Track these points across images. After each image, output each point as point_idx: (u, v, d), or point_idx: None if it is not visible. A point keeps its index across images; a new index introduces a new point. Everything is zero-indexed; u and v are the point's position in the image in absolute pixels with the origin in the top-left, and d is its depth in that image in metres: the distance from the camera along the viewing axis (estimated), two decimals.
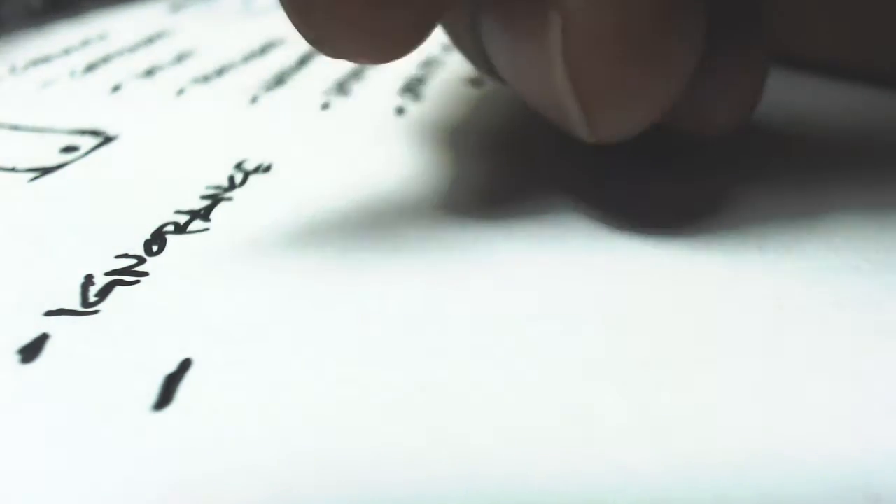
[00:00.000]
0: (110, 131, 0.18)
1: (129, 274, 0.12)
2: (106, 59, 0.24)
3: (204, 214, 0.14)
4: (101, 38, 0.26)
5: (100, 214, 0.14)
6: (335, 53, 0.13)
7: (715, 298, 0.12)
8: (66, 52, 0.24)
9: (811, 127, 0.19)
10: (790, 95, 0.20)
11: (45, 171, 0.16)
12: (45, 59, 0.23)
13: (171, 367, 0.10)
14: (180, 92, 0.21)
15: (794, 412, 0.10)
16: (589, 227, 0.14)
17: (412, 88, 0.21)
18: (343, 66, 0.23)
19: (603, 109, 0.12)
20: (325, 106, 0.20)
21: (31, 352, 0.10)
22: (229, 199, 0.15)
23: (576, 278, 0.12)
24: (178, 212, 0.14)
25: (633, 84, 0.12)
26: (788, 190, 0.15)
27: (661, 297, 0.12)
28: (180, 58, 0.24)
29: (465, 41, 0.15)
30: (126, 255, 0.13)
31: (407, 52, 0.12)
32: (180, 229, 0.14)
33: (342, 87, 0.21)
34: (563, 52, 0.11)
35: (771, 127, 0.19)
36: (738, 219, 0.14)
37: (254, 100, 0.20)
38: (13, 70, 0.22)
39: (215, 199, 0.15)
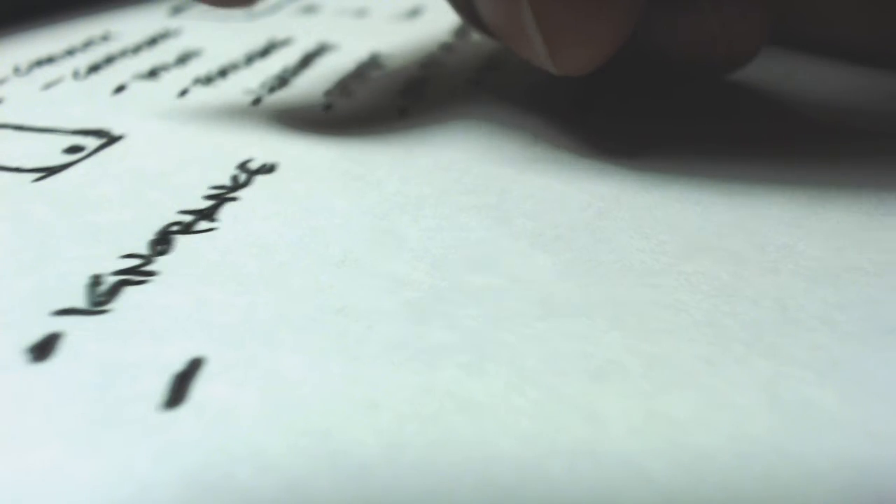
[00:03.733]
0: (114, 131, 0.18)
1: (136, 273, 0.12)
2: (109, 60, 0.24)
3: (209, 214, 0.14)
4: (104, 38, 0.26)
5: (105, 214, 0.14)
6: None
7: (719, 298, 0.12)
8: (70, 52, 0.24)
9: (820, 111, 0.19)
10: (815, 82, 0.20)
11: (49, 171, 0.16)
12: (49, 60, 0.23)
13: (181, 366, 0.10)
14: (183, 93, 0.21)
15: (799, 413, 0.10)
16: (588, 220, 0.14)
17: (414, 89, 0.21)
18: (344, 67, 0.23)
19: (563, 45, 0.14)
20: (328, 107, 0.20)
21: (40, 351, 0.11)
22: (234, 199, 0.15)
23: (578, 276, 0.12)
24: (183, 212, 0.14)
25: (586, 22, 0.14)
26: (789, 184, 0.15)
27: (666, 296, 0.12)
28: (183, 59, 0.24)
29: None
30: (133, 255, 0.13)
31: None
32: (186, 229, 0.14)
33: (345, 88, 0.21)
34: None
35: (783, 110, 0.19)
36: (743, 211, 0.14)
37: (257, 101, 0.21)
38: (17, 70, 0.22)
39: (220, 200, 0.15)
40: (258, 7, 0.31)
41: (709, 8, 0.16)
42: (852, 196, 0.15)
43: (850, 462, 0.09)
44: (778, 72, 0.21)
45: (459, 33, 0.26)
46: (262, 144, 0.17)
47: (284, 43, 0.26)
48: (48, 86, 0.21)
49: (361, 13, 0.30)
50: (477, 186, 0.15)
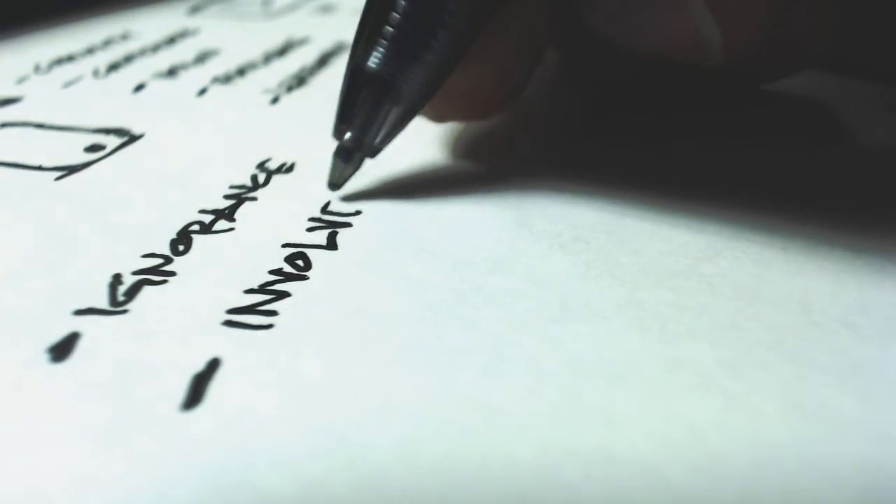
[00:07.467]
0: (134, 130, 0.18)
1: (156, 273, 0.12)
2: (128, 59, 0.24)
3: (228, 214, 0.14)
4: (124, 37, 0.26)
5: (126, 214, 0.14)
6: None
7: (741, 301, 0.12)
8: (90, 51, 0.25)
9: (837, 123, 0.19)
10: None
11: (71, 169, 0.16)
12: (69, 59, 0.24)
13: (200, 366, 0.10)
14: (202, 92, 0.21)
15: (819, 417, 0.10)
16: (607, 221, 0.14)
17: None
18: None
19: (741, 33, 0.15)
20: None
21: (61, 350, 0.11)
22: (253, 198, 0.15)
23: (597, 278, 0.12)
24: (203, 211, 0.14)
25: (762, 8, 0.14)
26: (814, 190, 0.15)
27: (688, 299, 0.12)
28: (201, 58, 0.24)
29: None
30: (153, 255, 0.13)
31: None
32: (206, 229, 0.14)
33: None
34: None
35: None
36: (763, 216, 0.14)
37: (275, 100, 0.21)
38: (37, 69, 0.23)
39: (239, 199, 0.15)
40: (276, 6, 0.31)
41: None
42: (875, 201, 0.15)
43: (871, 466, 0.09)
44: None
45: None
46: (281, 144, 0.18)
47: (302, 42, 0.26)
48: (68, 84, 0.22)
49: None
50: (495, 186, 0.15)
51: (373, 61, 0.14)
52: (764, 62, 0.16)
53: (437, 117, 0.16)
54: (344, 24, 0.29)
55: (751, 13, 0.14)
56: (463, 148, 0.17)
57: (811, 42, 0.17)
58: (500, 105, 0.16)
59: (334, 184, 0.15)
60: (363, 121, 0.14)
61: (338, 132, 0.15)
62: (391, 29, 0.14)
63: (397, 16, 0.13)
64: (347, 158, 0.15)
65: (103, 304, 0.12)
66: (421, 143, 0.17)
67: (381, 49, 0.14)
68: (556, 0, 0.15)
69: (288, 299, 0.12)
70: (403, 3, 0.13)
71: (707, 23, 0.14)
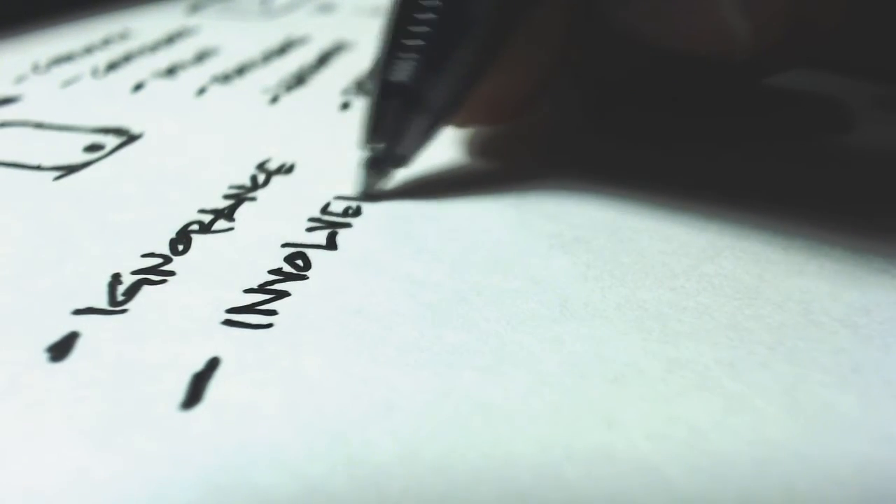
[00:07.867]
0: (133, 130, 0.18)
1: (155, 273, 0.12)
2: (128, 58, 0.24)
3: (228, 214, 0.14)
4: (123, 36, 0.26)
5: (125, 213, 0.14)
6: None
7: (741, 300, 0.12)
8: (89, 50, 0.24)
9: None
10: None
11: (70, 169, 0.16)
12: (68, 58, 0.24)
13: (199, 366, 0.10)
14: (201, 91, 0.21)
15: (820, 417, 0.10)
16: (608, 221, 0.14)
17: None
18: (361, 66, 0.23)
19: (769, 24, 0.14)
20: (345, 106, 0.20)
21: (60, 350, 0.11)
22: (252, 198, 0.15)
23: (597, 278, 0.12)
24: (203, 211, 0.14)
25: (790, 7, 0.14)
26: (814, 190, 0.15)
27: (688, 299, 0.12)
28: (201, 57, 0.24)
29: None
30: (152, 255, 0.13)
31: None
32: (205, 228, 0.14)
33: (361, 87, 0.21)
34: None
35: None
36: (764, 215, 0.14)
37: (274, 99, 0.21)
38: (36, 68, 0.23)
39: (238, 199, 0.15)
40: (275, 6, 0.31)
41: None
42: (876, 201, 0.15)
43: (871, 467, 0.09)
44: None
45: None
46: (280, 144, 0.17)
47: (301, 41, 0.26)
48: (67, 83, 0.21)
49: (377, 12, 0.30)
50: (496, 186, 0.15)
51: (401, 73, 0.14)
52: (776, 55, 0.16)
53: (460, 123, 0.16)
54: (344, 23, 0.29)
55: (777, 3, 0.14)
56: (464, 149, 0.17)
57: (821, 38, 0.17)
58: (522, 111, 0.16)
59: (367, 193, 0.15)
60: (392, 132, 0.14)
61: (367, 142, 0.15)
62: (418, 40, 0.14)
63: (423, 26, 0.14)
64: (377, 168, 0.15)
65: (102, 303, 0.12)
66: None
67: (409, 60, 0.14)
68: (578, 5, 0.15)
69: (287, 299, 0.12)
70: (429, 13, 0.13)
71: (735, 13, 0.14)
